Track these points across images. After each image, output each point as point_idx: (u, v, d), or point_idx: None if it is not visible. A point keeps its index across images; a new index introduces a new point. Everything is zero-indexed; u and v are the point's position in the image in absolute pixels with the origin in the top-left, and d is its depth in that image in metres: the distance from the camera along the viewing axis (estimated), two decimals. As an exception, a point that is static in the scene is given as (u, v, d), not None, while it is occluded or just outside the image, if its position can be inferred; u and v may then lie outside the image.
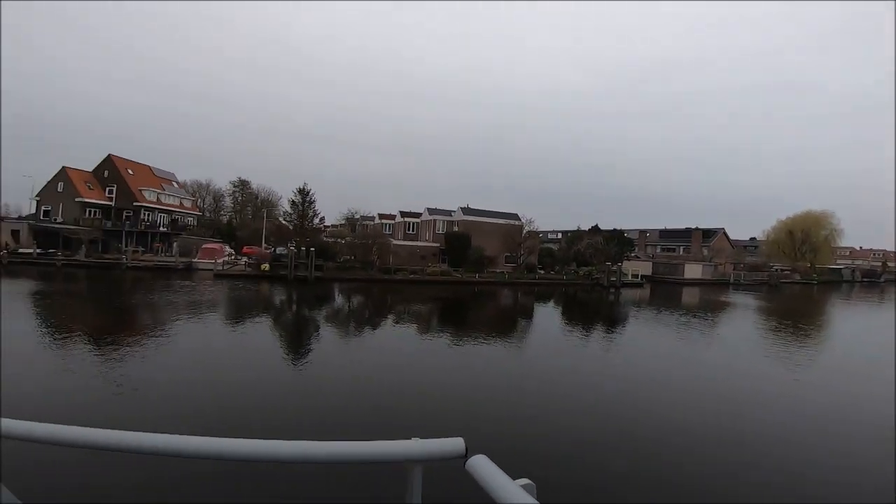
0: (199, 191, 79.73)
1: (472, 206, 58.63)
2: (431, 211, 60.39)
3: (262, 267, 42.82)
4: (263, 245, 54.72)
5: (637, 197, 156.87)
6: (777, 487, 7.64)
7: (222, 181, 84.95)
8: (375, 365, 14.64)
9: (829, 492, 7.68)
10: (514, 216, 57.80)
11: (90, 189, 55.71)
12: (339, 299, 33.87)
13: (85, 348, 14.55)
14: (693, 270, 65.83)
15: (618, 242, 61.40)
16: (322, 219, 53.40)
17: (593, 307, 36.76)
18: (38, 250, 44.90)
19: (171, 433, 1.50)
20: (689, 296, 49.09)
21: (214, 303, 26.87)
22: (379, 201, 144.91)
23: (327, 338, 19.30)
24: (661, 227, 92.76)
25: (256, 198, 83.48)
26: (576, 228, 76.97)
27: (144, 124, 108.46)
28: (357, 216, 65.76)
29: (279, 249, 46.50)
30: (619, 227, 69.61)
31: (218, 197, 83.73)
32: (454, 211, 59.58)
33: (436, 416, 10.11)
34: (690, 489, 7.48)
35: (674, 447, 9.12)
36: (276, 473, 6.75)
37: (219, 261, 45.28)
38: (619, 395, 12.51)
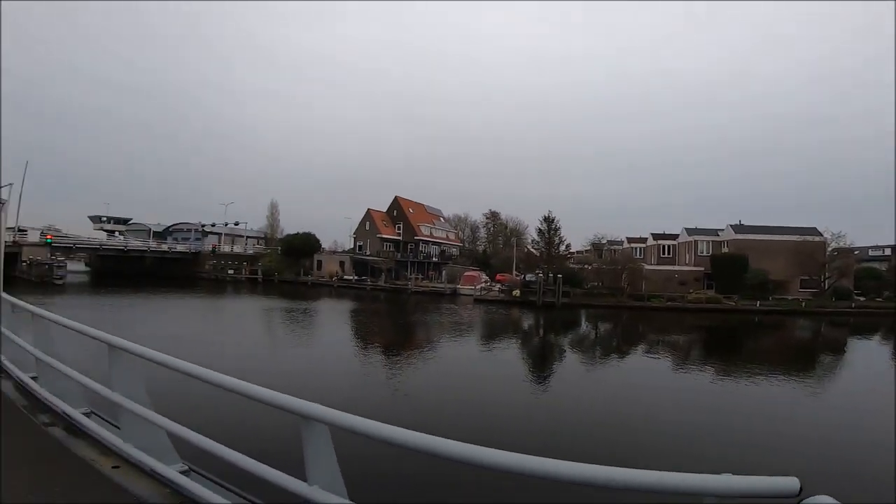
0: (459, 224, 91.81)
1: (744, 223, 49.28)
2: (690, 231, 53.29)
3: (514, 293, 45.76)
4: (514, 272, 58.53)
5: None
6: None
7: (476, 214, 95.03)
8: (613, 396, 13.75)
9: None
10: (812, 230, 45.61)
11: (385, 226, 70.96)
12: (585, 326, 33.17)
13: (379, 357, 18.51)
14: None
15: None
16: (568, 245, 53.83)
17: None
18: (355, 277, 59.74)
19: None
20: None
21: (472, 324, 30.11)
22: (626, 225, 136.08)
23: (571, 363, 19.12)
24: None
25: (506, 227, 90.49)
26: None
27: (419, 166, 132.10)
28: (604, 241, 63.60)
29: (528, 276, 48.91)
30: None
31: (474, 228, 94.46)
32: (721, 229, 51.15)
33: (684, 456, 8.62)
34: None
35: None
36: (540, 490, 6.19)
37: (477, 287, 50.77)
38: None
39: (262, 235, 77.44)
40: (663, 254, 57.00)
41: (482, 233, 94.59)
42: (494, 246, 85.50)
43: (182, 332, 21.06)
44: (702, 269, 48.02)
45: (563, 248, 52.65)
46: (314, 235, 66.81)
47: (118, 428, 3.35)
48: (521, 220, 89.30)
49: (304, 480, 2.08)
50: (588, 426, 10.78)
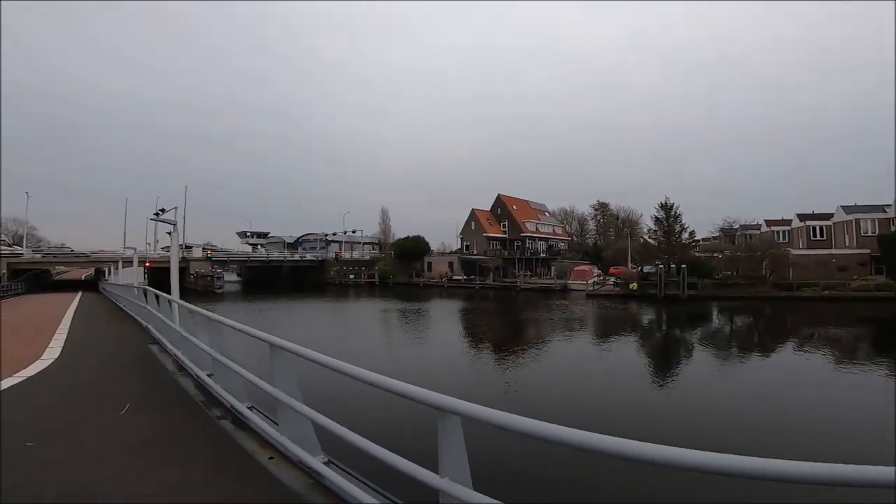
0: (565, 217, 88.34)
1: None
2: (849, 209, 45.06)
3: (630, 286, 42.91)
4: (629, 264, 54.87)
5: None
6: None
7: (582, 206, 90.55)
8: (750, 393, 12.25)
9: None
10: None
11: (490, 225, 71.14)
12: (717, 319, 30.00)
13: (489, 354, 18.76)
14: None
15: None
16: (692, 233, 48.87)
17: None
18: (464, 277, 60.99)
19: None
20: None
21: (584, 320, 28.93)
22: (755, 205, 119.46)
23: (700, 360, 17.47)
24: None
25: (617, 218, 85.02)
26: None
27: (516, 165, 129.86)
28: (735, 226, 56.58)
29: (646, 268, 45.56)
30: None
31: (582, 221, 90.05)
32: (888, 205, 42.46)
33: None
34: None
35: None
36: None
37: (589, 281, 48.58)
38: None
39: (376, 241, 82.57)
40: (814, 236, 49.05)
41: (591, 225, 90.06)
42: (605, 238, 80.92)
43: (319, 332, 23.50)
44: (867, 251, 40.40)
45: (685, 235, 47.94)
46: (423, 238, 69.52)
47: (275, 423, 3.68)
48: (633, 209, 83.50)
49: (434, 472, 2.12)
50: (721, 427, 9.82)
